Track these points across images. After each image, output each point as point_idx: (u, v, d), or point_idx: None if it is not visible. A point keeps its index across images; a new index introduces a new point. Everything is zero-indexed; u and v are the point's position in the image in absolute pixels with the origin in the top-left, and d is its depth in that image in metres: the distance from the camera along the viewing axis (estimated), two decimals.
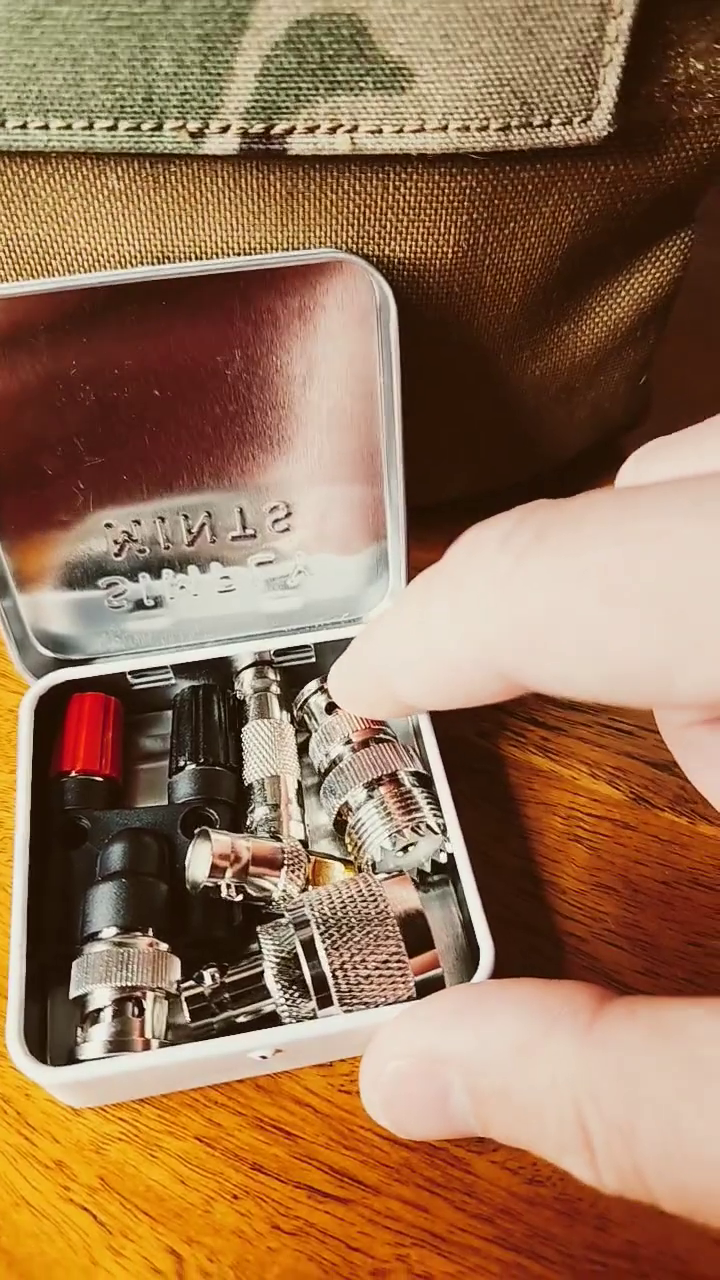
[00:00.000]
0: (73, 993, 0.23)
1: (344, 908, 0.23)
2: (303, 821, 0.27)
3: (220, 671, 0.30)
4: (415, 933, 0.22)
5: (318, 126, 0.22)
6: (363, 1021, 0.22)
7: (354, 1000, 0.22)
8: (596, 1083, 0.15)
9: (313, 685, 0.30)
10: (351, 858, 0.27)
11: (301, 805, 0.27)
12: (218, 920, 0.25)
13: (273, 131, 0.21)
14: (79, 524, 0.28)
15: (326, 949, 0.22)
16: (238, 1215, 0.22)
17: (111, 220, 0.24)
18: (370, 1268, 0.22)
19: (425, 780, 0.27)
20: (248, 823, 0.27)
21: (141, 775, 0.30)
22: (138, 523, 0.28)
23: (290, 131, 0.22)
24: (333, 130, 0.22)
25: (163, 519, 0.28)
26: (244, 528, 0.29)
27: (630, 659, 0.14)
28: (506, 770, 0.30)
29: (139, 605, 0.30)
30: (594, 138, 0.23)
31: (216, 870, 0.24)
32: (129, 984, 0.23)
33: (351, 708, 0.25)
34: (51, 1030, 0.24)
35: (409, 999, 0.22)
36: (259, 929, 0.24)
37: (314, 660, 0.31)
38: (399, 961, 0.22)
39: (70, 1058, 0.23)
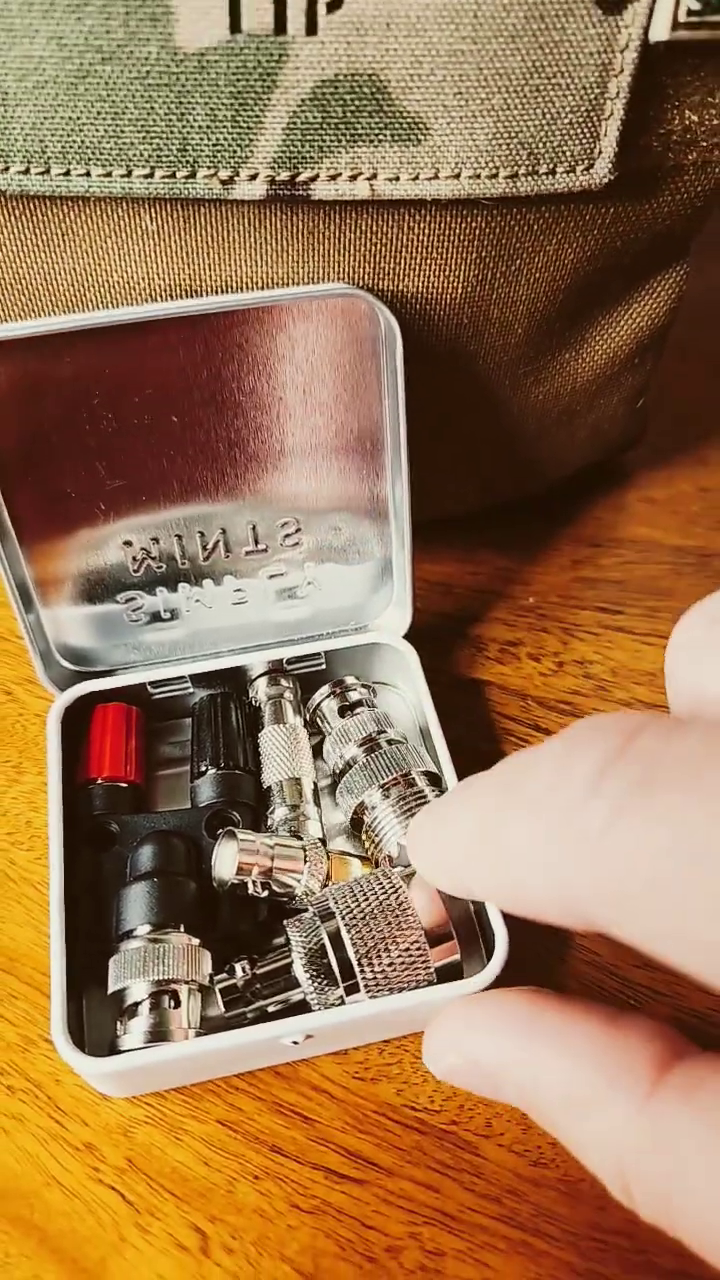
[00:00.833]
0: (111, 987, 0.24)
1: (366, 899, 0.24)
2: (320, 820, 0.28)
3: (235, 679, 0.32)
4: (434, 921, 0.24)
5: (339, 174, 0.23)
6: (387, 1006, 0.23)
7: (379, 986, 0.23)
8: (644, 1156, 0.14)
9: (324, 690, 0.31)
10: (368, 853, 0.28)
11: (318, 804, 0.29)
12: (244, 916, 0.27)
13: (298, 179, 0.23)
14: (99, 542, 0.29)
15: (352, 938, 0.24)
16: (258, 1195, 0.24)
17: (144, 257, 0.25)
18: (384, 1245, 0.23)
19: (436, 779, 0.28)
20: (268, 823, 0.28)
21: (162, 781, 0.31)
22: (155, 539, 0.29)
23: (314, 179, 0.23)
24: (353, 178, 0.23)
25: (179, 535, 0.29)
26: (256, 542, 0.30)
27: None
28: None
29: (156, 618, 0.31)
30: (596, 184, 0.25)
31: (243, 869, 0.26)
32: (165, 977, 0.24)
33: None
34: (89, 1026, 0.26)
35: (430, 983, 0.24)
36: (285, 922, 0.25)
37: (324, 667, 0.32)
38: (419, 949, 0.24)
39: (110, 1049, 0.24)
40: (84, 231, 0.25)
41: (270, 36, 0.21)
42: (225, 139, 0.22)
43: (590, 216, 0.27)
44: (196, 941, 0.25)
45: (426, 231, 0.26)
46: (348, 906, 0.24)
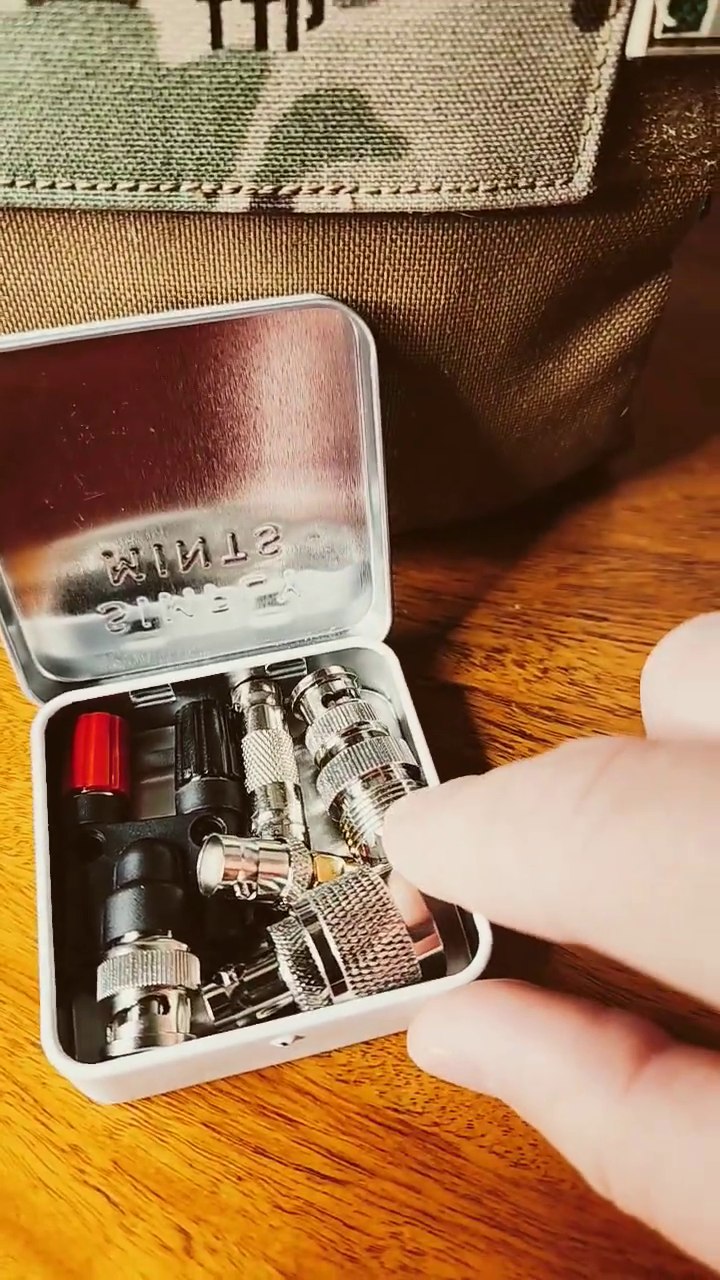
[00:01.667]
0: (100, 994, 0.25)
1: (347, 900, 0.24)
2: (304, 823, 0.29)
3: (218, 686, 0.32)
4: (415, 917, 0.24)
5: (322, 188, 0.24)
6: (374, 1004, 0.23)
7: (365, 983, 0.24)
8: (621, 1148, 0.15)
9: (308, 679, 0.32)
10: (349, 845, 0.29)
11: (302, 803, 0.29)
12: (231, 920, 0.27)
13: (280, 192, 0.23)
14: (78, 553, 0.29)
15: (335, 939, 0.24)
16: (242, 1195, 0.24)
17: (130, 269, 0.26)
18: (366, 1244, 0.23)
19: (415, 773, 0.29)
20: (253, 827, 0.28)
21: (148, 789, 0.31)
22: (135, 549, 0.30)
23: (297, 192, 0.24)
24: (335, 191, 0.24)
25: (158, 545, 0.30)
26: (235, 550, 0.30)
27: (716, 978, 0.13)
28: None
29: (137, 627, 0.31)
30: (575, 197, 0.25)
31: (228, 874, 0.26)
32: (154, 983, 0.24)
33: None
34: (78, 1034, 0.26)
35: (415, 978, 0.24)
36: (270, 928, 0.25)
37: (305, 673, 0.32)
38: (402, 944, 0.24)
39: (101, 1056, 0.24)
40: (70, 243, 0.25)
41: (252, 52, 0.21)
42: (208, 153, 0.23)
43: (571, 229, 0.27)
44: (184, 947, 0.25)
45: (409, 243, 0.26)
46: (330, 908, 0.24)
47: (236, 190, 0.23)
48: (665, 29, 0.22)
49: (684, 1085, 0.14)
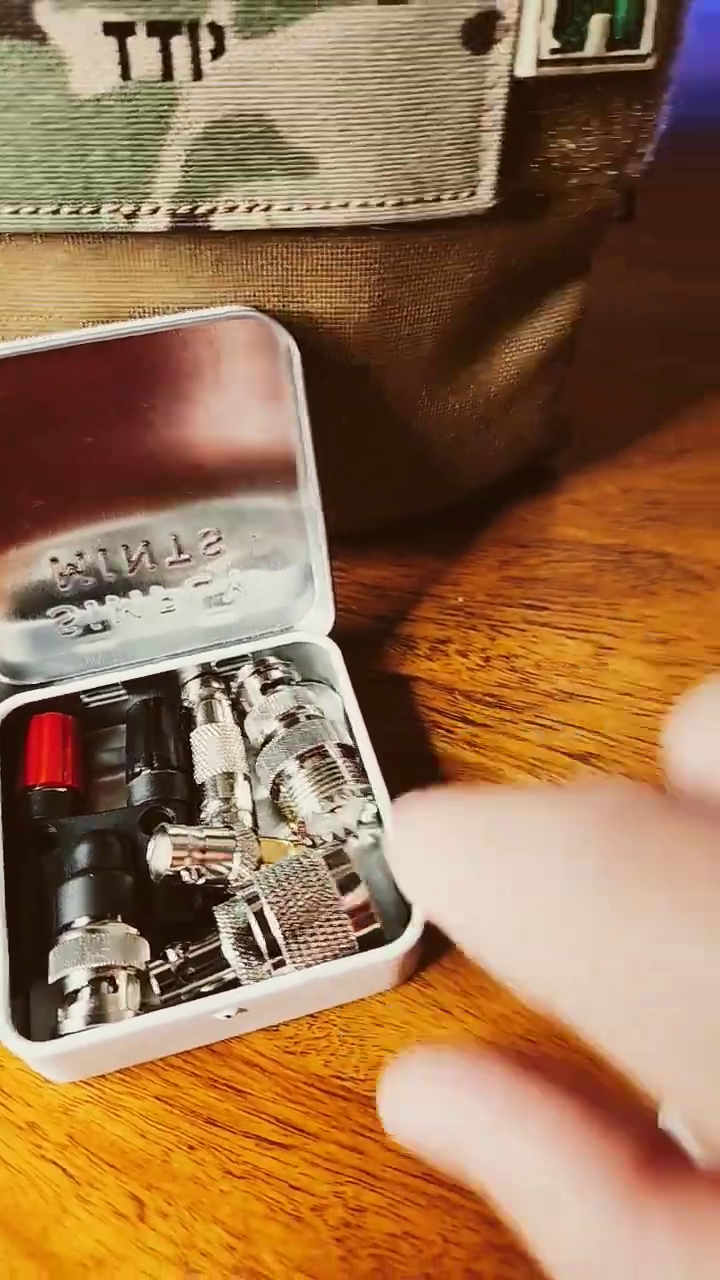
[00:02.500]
0: (51, 977, 0.26)
1: (288, 879, 0.26)
2: (252, 811, 0.30)
3: (168, 684, 0.33)
4: (352, 893, 0.26)
5: (237, 206, 0.25)
6: (312, 975, 0.25)
7: (304, 958, 0.25)
8: (623, 1271, 0.13)
9: (247, 669, 0.33)
10: (290, 824, 0.30)
11: (251, 791, 0.31)
12: (180, 905, 0.28)
13: (197, 212, 0.25)
14: (26, 560, 0.30)
15: (275, 915, 0.25)
16: (193, 1164, 0.25)
17: (61, 287, 0.27)
18: (310, 1204, 0.25)
19: (351, 752, 0.30)
20: (202, 816, 0.30)
21: (103, 787, 0.32)
22: (80, 555, 0.31)
23: (213, 211, 0.25)
24: (250, 209, 0.25)
25: (104, 550, 0.31)
26: (179, 552, 0.32)
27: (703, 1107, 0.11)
28: (439, 765, 0.33)
29: (87, 630, 0.32)
30: (480, 208, 0.26)
31: (176, 860, 0.27)
32: (102, 964, 0.25)
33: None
34: (34, 1021, 0.27)
35: (351, 951, 0.25)
36: (215, 908, 0.27)
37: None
38: (339, 919, 0.25)
39: (52, 1036, 0.25)
40: (1, 265, 0.26)
41: (159, 82, 0.23)
42: (126, 176, 0.24)
43: (482, 237, 0.29)
44: (134, 930, 0.27)
45: (327, 256, 0.28)
46: (270, 887, 0.26)
47: (155, 211, 0.25)
48: (552, 50, 0.24)
49: (692, 1215, 0.13)
